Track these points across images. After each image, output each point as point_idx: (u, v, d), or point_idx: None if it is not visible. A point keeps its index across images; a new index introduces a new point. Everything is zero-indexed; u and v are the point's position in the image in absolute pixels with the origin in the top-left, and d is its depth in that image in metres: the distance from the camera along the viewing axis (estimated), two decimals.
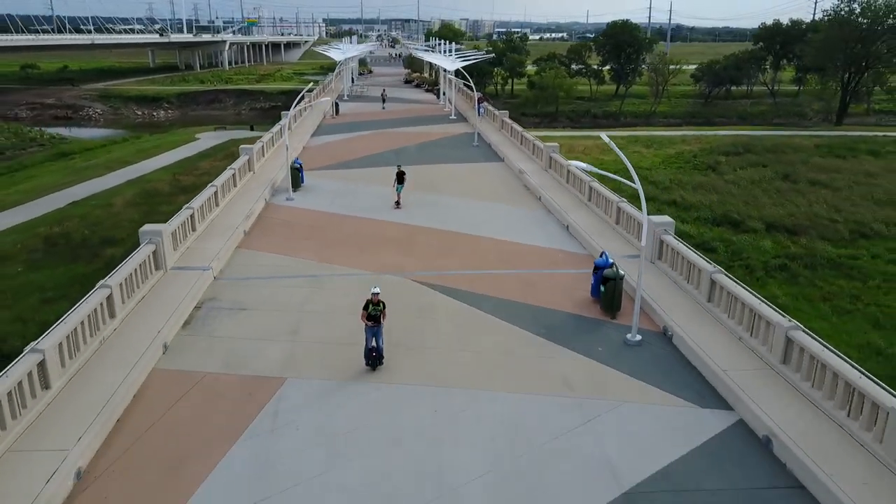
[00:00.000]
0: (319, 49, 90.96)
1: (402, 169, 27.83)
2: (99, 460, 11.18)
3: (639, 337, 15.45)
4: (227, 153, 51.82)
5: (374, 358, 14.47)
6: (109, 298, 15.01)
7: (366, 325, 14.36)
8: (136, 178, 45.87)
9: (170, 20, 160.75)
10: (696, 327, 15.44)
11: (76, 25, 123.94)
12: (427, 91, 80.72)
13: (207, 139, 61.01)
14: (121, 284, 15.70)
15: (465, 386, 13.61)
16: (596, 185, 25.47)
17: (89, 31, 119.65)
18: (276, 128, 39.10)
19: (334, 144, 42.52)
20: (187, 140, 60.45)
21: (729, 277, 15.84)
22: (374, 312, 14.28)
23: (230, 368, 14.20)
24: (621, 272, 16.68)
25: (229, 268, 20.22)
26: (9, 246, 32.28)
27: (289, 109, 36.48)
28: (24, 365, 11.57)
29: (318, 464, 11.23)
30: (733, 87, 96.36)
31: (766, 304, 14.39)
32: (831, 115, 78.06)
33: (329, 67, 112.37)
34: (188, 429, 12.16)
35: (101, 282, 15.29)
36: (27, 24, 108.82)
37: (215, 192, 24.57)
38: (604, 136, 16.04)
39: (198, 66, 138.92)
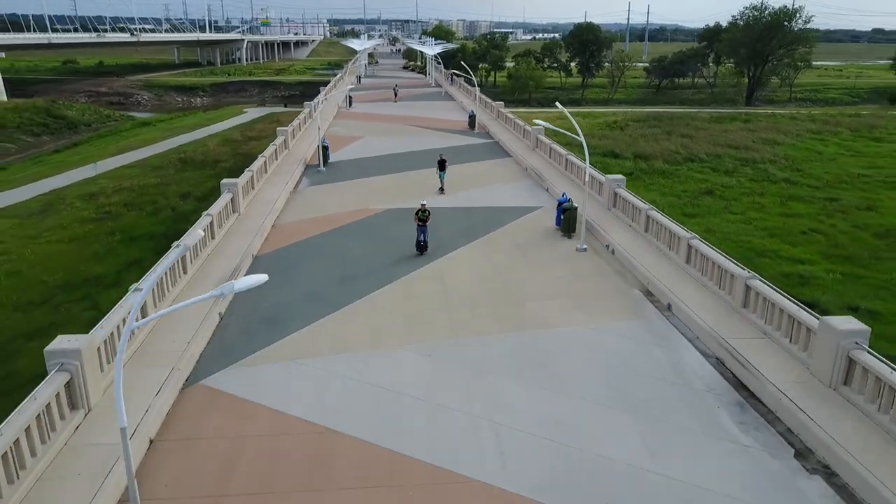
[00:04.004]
0: (343, 41, 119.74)
1: (444, 157, 31.17)
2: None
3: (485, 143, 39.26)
4: (272, 120, 75.11)
5: (421, 247, 20.28)
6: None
7: (417, 224, 20.33)
8: (213, 134, 68.71)
9: (181, 20, 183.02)
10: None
11: (86, 24, 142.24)
12: (418, 73, 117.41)
13: (253, 113, 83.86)
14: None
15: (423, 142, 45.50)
16: (486, 98, 54.09)
17: (105, 31, 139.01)
18: (336, 78, 79.26)
19: (363, 94, 79.43)
20: (238, 113, 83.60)
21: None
22: (422, 216, 20.34)
23: (345, 133, 49.49)
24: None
25: (336, 120, 55.85)
26: (158, 163, 55.07)
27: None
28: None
29: (378, 147, 44.94)
30: (682, 79, 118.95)
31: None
32: (754, 99, 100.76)
33: (336, 64, 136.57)
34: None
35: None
36: (51, 23, 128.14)
37: (313, 107, 52.52)
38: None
39: (218, 62, 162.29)
